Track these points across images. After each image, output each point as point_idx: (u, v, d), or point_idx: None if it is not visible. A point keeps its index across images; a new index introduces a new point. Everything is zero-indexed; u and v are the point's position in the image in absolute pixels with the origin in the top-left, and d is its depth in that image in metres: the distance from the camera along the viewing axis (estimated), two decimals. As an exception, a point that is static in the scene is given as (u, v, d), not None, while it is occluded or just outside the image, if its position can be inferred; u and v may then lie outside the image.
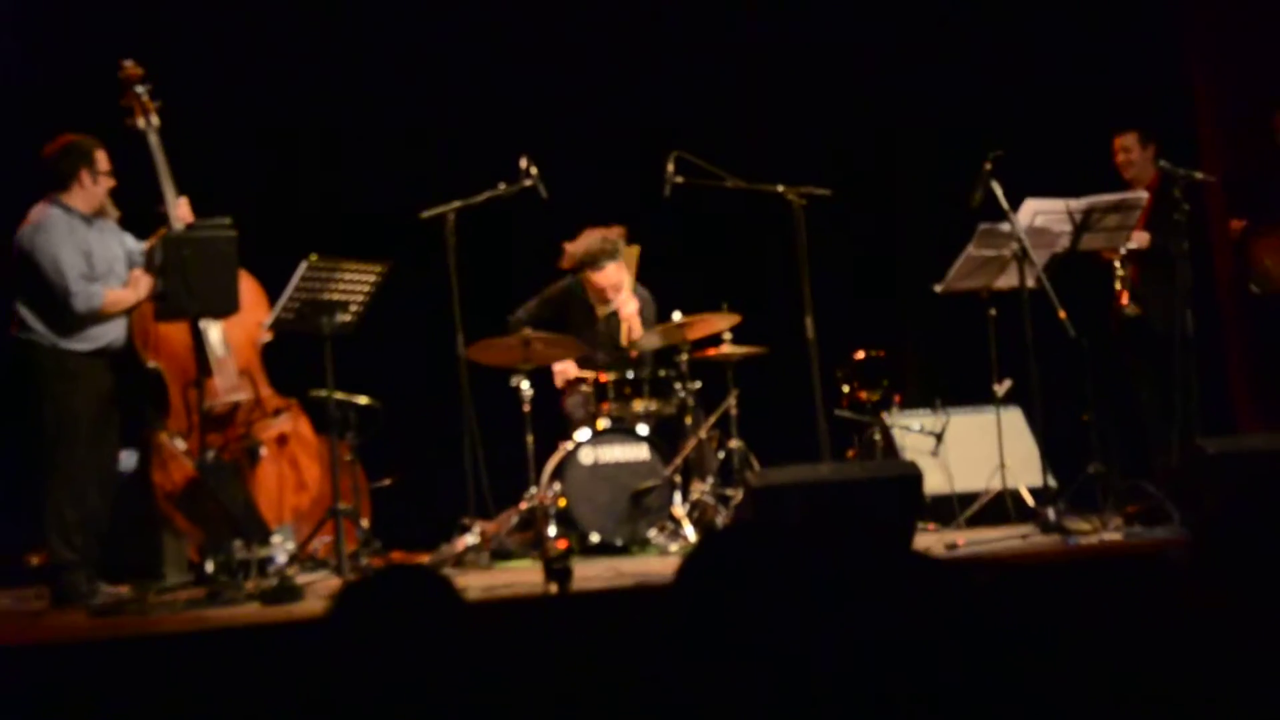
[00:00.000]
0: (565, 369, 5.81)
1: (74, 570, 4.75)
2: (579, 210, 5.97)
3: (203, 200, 5.00)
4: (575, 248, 5.83)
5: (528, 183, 5.50)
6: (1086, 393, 5.19)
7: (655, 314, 5.99)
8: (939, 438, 5.93)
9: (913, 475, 4.64)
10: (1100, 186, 5.56)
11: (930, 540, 5.04)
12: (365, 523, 5.31)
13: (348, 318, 4.91)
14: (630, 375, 5.69)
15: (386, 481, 5.96)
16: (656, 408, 5.69)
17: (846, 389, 6.17)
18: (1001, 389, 5.61)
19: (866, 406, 6.10)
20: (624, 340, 5.87)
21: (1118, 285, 5.79)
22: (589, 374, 5.78)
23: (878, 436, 5.99)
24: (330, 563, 4.92)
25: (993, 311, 5.58)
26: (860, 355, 6.18)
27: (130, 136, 4.97)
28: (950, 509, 5.64)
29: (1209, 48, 6.83)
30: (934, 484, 5.57)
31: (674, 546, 5.35)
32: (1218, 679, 1.44)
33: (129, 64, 5.07)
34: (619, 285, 5.87)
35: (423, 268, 5.71)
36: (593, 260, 5.81)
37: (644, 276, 6.13)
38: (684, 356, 5.72)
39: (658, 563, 5.02)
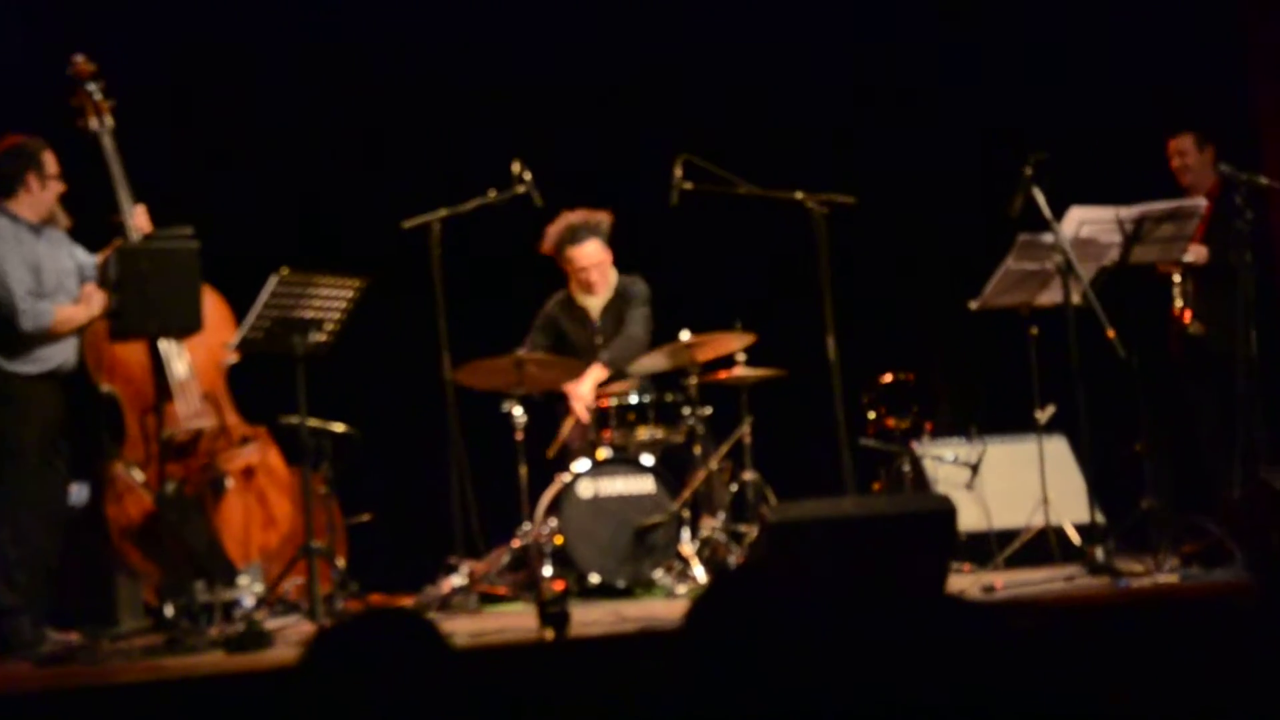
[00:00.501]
0: (586, 399, 5.74)
1: (18, 615, 4.73)
2: (577, 219, 6.02)
3: (162, 208, 5.01)
4: (555, 225, 5.87)
5: (520, 189, 5.52)
6: (1139, 419, 5.18)
7: (648, 299, 5.97)
8: (975, 469, 5.93)
9: (946, 511, 4.61)
10: (1155, 194, 5.53)
11: (965, 582, 5.00)
12: (341, 562, 5.31)
13: (322, 337, 4.92)
14: (633, 400, 5.70)
15: (365, 517, 5.94)
16: (663, 436, 5.70)
17: (872, 415, 6.15)
18: (1044, 415, 5.58)
19: (894, 435, 6.08)
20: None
21: (1179, 302, 5.75)
22: (618, 387, 5.78)
23: (907, 468, 5.98)
24: (302, 606, 4.90)
25: (1034, 330, 5.57)
26: (888, 378, 6.17)
27: (81, 138, 4.97)
28: (987, 548, 5.63)
29: (1270, 42, 6.83)
30: (969, 520, 5.57)
31: (682, 588, 5.35)
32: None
33: (80, 59, 5.08)
34: (602, 266, 5.88)
35: (405, 283, 5.71)
36: (572, 235, 5.79)
37: (649, 291, 6.11)
38: (693, 380, 5.73)
39: (664, 606, 5.04)
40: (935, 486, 5.90)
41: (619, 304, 5.95)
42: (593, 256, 5.84)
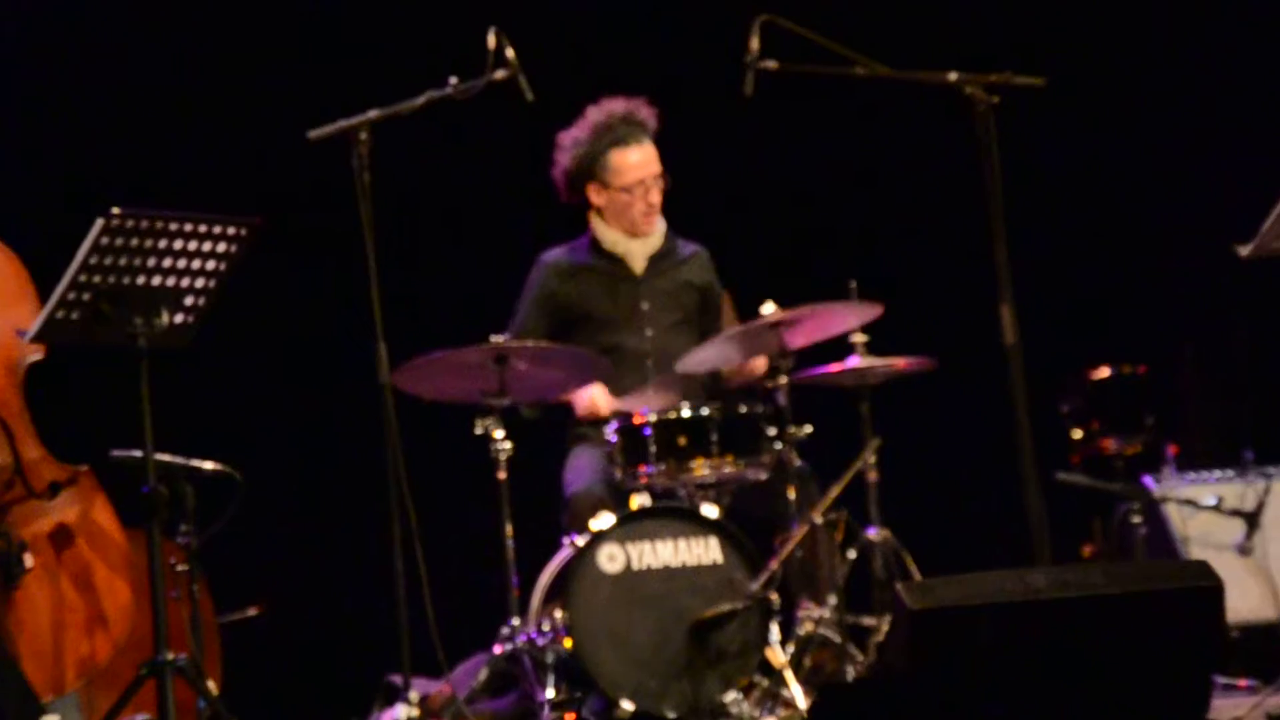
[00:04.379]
0: (593, 401, 5.90)
1: None
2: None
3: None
4: (584, 121, 5.95)
5: (499, 75, 5.48)
6: None
7: (717, 283, 6.06)
8: (1252, 521, 5.89)
9: (1206, 589, 4.48)
10: None
11: (1240, 707, 4.97)
12: (214, 686, 5.22)
13: (181, 318, 4.87)
14: (686, 413, 5.67)
15: (252, 611, 5.92)
16: (734, 471, 5.66)
17: (1079, 433, 6.16)
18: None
19: (1116, 465, 6.09)
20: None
21: None
22: (627, 407, 5.84)
23: (1138, 518, 5.96)
24: (151, 758, 4.89)
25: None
26: (1103, 373, 6.18)
27: None
28: (1276, 650, 5.62)
29: None
30: (1245, 603, 5.62)
31: (768, 719, 5.35)
32: None
33: None
34: (659, 177, 5.95)
35: (315, 228, 5.81)
36: (614, 135, 5.93)
37: (708, 238, 6.15)
38: (782, 379, 5.73)
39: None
40: (1186, 549, 5.90)
41: (678, 270, 6.09)
42: (652, 164, 5.97)
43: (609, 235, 6.01)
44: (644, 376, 5.95)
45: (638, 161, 5.93)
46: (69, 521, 5.00)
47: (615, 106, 5.95)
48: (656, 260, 6.04)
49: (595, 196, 5.96)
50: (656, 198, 5.96)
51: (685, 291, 6.07)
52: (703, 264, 6.12)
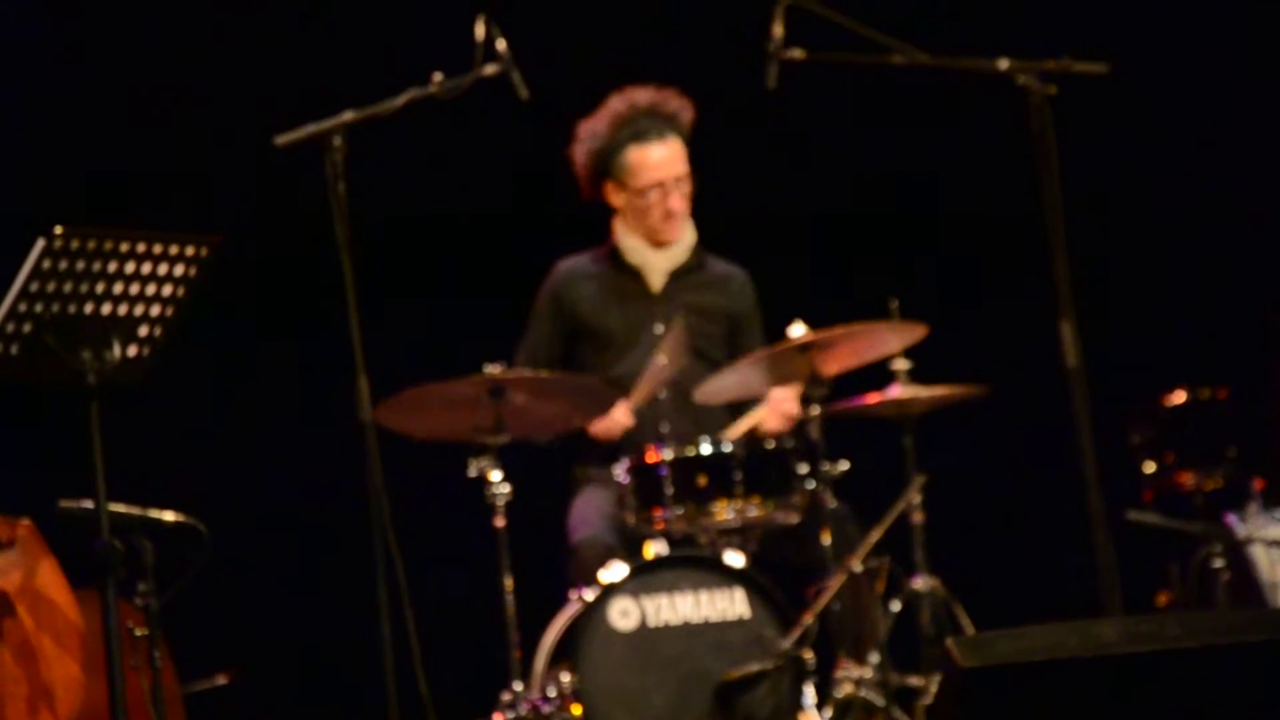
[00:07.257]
0: (611, 421, 5.92)
1: None
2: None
3: None
4: (602, 113, 5.96)
5: (490, 70, 5.48)
6: None
7: (755, 312, 6.07)
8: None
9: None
10: None
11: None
12: (178, 765, 5.24)
13: (134, 350, 4.86)
14: (706, 449, 5.68)
15: (220, 680, 5.89)
16: (761, 513, 5.68)
17: (1151, 466, 6.16)
18: None
19: (1194, 501, 6.09)
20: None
21: None
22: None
23: (1219, 561, 5.98)
24: None
25: None
26: (1178, 398, 6.18)
27: None
28: None
29: None
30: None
31: None
32: None
33: None
34: (686, 186, 5.94)
35: (285, 248, 5.83)
36: (634, 129, 5.93)
37: (726, 252, 6.14)
38: (815, 410, 5.73)
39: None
40: (1275, 596, 5.93)
41: (705, 291, 6.09)
42: (675, 164, 5.98)
43: (628, 242, 6.02)
44: (654, 410, 5.93)
45: (658, 160, 5.92)
46: (9, 586, 4.99)
47: (640, 96, 5.96)
48: (679, 276, 6.04)
49: (613, 197, 5.98)
50: (678, 203, 5.94)
51: (710, 316, 6.06)
52: (739, 289, 6.10)
